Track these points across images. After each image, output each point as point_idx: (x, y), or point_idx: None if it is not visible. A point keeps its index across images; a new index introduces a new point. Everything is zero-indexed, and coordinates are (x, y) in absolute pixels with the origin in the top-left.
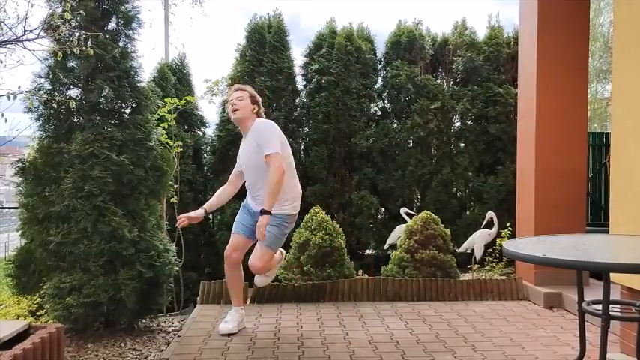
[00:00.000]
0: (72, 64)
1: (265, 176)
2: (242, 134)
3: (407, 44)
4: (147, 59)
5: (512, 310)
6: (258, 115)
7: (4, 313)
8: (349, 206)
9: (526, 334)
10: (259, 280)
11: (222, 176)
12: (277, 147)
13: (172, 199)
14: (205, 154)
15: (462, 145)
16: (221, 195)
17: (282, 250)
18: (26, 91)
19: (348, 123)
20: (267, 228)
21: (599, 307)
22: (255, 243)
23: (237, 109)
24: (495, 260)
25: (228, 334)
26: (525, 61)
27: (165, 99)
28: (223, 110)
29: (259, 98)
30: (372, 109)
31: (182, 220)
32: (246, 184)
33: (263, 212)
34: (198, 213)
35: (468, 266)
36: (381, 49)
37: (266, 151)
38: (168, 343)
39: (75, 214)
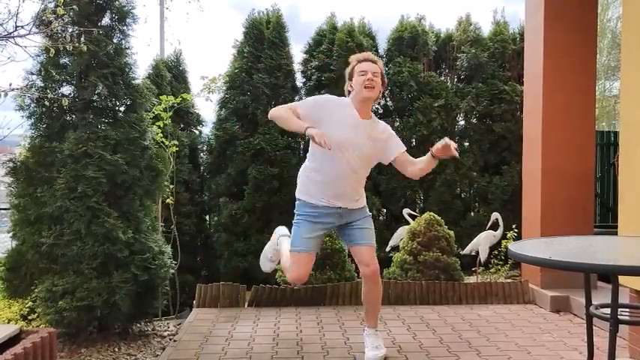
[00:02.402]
0: (65, 60)
1: (364, 175)
2: (350, 103)
3: (409, 40)
4: (142, 56)
5: (518, 314)
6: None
7: None
8: None
9: (532, 339)
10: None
11: (219, 176)
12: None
13: (168, 200)
14: (202, 154)
15: (466, 144)
16: None
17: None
18: (17, 89)
19: None
20: (369, 223)
21: (608, 310)
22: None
23: (373, 87)
24: (501, 263)
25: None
26: (531, 57)
27: (161, 97)
28: (220, 108)
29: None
30: (373, 107)
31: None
32: (330, 170)
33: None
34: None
35: (473, 269)
36: (382, 46)
37: (402, 147)
38: (163, 348)
39: (68, 215)
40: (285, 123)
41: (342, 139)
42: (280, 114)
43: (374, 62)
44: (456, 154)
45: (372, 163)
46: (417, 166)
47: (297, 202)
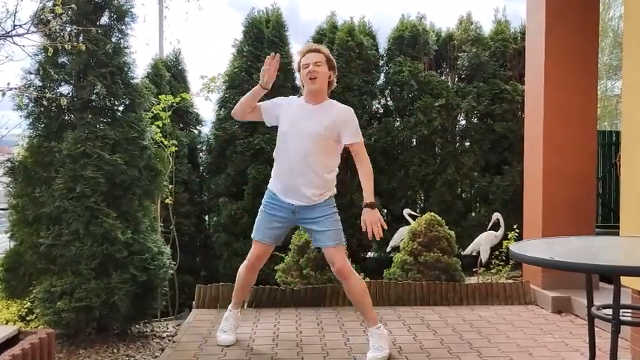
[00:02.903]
0: (63, 60)
1: (320, 164)
2: (299, 98)
3: (410, 39)
4: (141, 55)
5: (519, 315)
6: (331, 84)
7: None
8: (350, 207)
9: (533, 340)
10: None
11: (219, 176)
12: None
13: (167, 200)
14: (201, 154)
15: (467, 143)
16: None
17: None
18: (15, 88)
19: None
20: (329, 223)
21: (610, 311)
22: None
23: (315, 77)
24: (502, 263)
25: (228, 345)
26: (533, 56)
27: (160, 96)
28: (220, 108)
29: (335, 63)
30: (373, 107)
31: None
32: (283, 162)
33: (371, 205)
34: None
35: (474, 269)
36: (383, 45)
37: (357, 138)
38: (162, 349)
39: (66, 216)
40: (243, 103)
41: (293, 130)
42: (239, 103)
43: (316, 51)
44: (377, 236)
45: (331, 147)
46: (360, 177)
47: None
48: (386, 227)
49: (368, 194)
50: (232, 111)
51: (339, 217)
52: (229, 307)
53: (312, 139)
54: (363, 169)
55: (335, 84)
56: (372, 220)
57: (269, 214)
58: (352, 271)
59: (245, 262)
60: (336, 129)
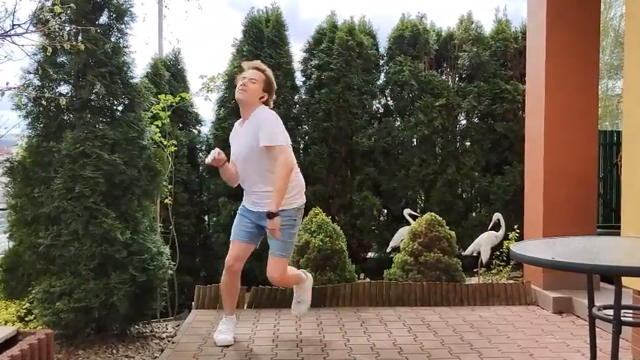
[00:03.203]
0: (62, 59)
1: (263, 169)
2: (239, 120)
3: (410, 39)
4: (140, 54)
5: (520, 316)
6: (265, 104)
7: None
8: (350, 207)
9: (534, 341)
10: (297, 309)
11: (218, 176)
12: (283, 139)
13: (166, 200)
14: (201, 154)
15: (468, 143)
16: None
17: (308, 273)
18: (14, 88)
19: (349, 121)
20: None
21: (611, 312)
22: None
23: (244, 90)
24: (502, 264)
25: (227, 346)
26: (533, 56)
27: (159, 96)
28: (219, 108)
29: (274, 87)
30: (374, 107)
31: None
32: (240, 179)
33: (270, 215)
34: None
35: (474, 270)
36: (383, 44)
37: (270, 141)
38: (162, 350)
39: (65, 216)
40: (226, 177)
41: (234, 152)
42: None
43: (258, 69)
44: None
45: (261, 153)
46: (274, 176)
47: None
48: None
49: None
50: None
51: (295, 232)
52: (224, 315)
53: (244, 151)
54: (275, 171)
55: (271, 104)
56: (269, 227)
57: (241, 214)
58: (286, 275)
59: (228, 263)
60: (256, 134)
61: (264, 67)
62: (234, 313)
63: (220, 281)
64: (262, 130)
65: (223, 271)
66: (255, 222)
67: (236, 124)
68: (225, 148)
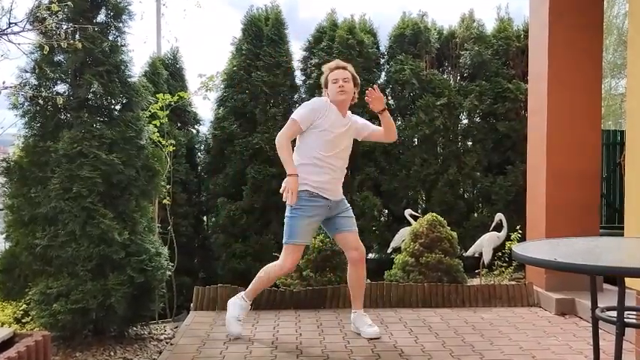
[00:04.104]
0: (59, 58)
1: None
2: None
3: (411, 37)
4: (138, 53)
5: (523, 317)
6: (353, 99)
7: None
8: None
9: (537, 343)
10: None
11: (217, 176)
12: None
13: (165, 200)
14: (199, 153)
15: (470, 143)
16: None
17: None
18: (11, 87)
19: None
20: (351, 214)
21: (614, 313)
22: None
23: (344, 91)
24: (504, 265)
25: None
26: (536, 55)
27: (157, 95)
28: (218, 107)
29: (359, 80)
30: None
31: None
32: (331, 169)
33: (383, 109)
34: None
35: (476, 271)
36: (384, 43)
37: (372, 126)
38: (160, 352)
39: (62, 216)
40: (282, 159)
41: (335, 136)
42: (281, 149)
43: (344, 68)
44: (379, 94)
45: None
46: (380, 131)
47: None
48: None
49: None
50: (277, 145)
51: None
52: (243, 295)
53: (347, 148)
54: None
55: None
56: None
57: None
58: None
59: (282, 266)
60: (353, 133)
61: (345, 63)
62: (251, 300)
63: (268, 272)
64: (361, 121)
65: (279, 268)
66: (325, 215)
67: (334, 111)
68: (225, 148)
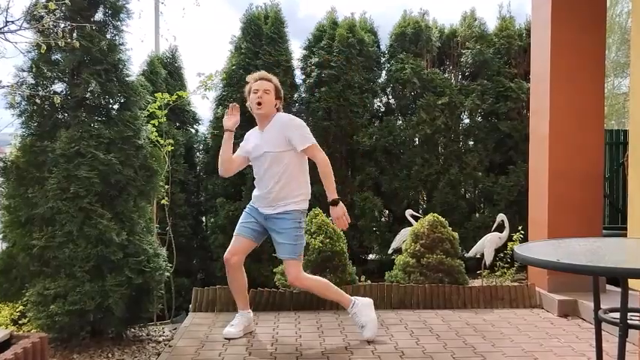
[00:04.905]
0: (56, 57)
1: (281, 173)
2: (255, 128)
3: (412, 36)
4: (136, 52)
5: (525, 319)
6: (277, 110)
7: None
8: (351, 208)
9: (539, 344)
10: (364, 334)
11: (216, 176)
12: (312, 137)
13: (163, 201)
14: (198, 153)
15: (471, 143)
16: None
17: (359, 298)
18: (8, 86)
19: (350, 120)
20: (282, 238)
21: (617, 315)
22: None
23: (261, 103)
24: (506, 265)
25: (230, 339)
26: (538, 53)
27: (156, 94)
28: (217, 106)
29: (282, 92)
30: (375, 105)
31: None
32: (255, 179)
33: (335, 202)
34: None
35: (478, 272)
36: (385, 41)
37: (305, 143)
38: (158, 354)
39: (60, 217)
40: (222, 157)
41: (251, 153)
42: (219, 162)
43: (267, 80)
44: (343, 227)
45: (282, 157)
46: (323, 171)
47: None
48: (349, 221)
49: (329, 192)
50: (219, 172)
51: (302, 233)
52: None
53: (266, 157)
54: (320, 169)
55: (281, 109)
56: (335, 215)
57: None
58: (306, 277)
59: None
60: (282, 140)
61: (269, 75)
62: (247, 308)
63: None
64: (293, 136)
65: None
66: (261, 222)
67: (253, 130)
68: None
